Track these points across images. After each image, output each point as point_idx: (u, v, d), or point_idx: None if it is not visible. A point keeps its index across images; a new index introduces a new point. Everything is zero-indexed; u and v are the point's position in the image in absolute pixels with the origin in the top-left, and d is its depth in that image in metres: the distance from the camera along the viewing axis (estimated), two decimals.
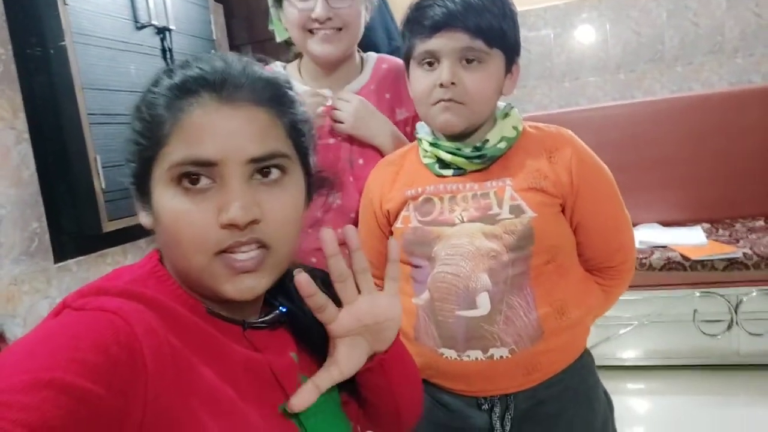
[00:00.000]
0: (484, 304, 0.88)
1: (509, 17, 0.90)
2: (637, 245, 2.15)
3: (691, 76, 2.82)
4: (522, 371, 0.89)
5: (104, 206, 1.59)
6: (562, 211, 0.93)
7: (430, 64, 0.90)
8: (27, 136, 1.55)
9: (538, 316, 0.89)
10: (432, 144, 0.95)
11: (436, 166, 0.95)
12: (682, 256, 2.06)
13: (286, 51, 2.64)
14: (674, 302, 2.11)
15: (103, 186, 1.58)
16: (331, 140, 1.12)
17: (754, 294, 2.01)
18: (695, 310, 2.09)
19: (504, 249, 0.88)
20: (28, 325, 1.52)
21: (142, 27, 1.80)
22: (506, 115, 0.96)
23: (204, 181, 0.54)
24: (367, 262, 0.63)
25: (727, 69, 2.77)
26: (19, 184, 1.52)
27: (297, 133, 0.61)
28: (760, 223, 2.30)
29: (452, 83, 0.87)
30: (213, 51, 2.21)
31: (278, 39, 2.37)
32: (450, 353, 0.90)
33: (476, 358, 0.89)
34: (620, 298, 1.94)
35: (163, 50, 1.89)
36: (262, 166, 0.56)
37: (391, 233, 0.99)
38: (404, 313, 0.94)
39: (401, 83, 1.12)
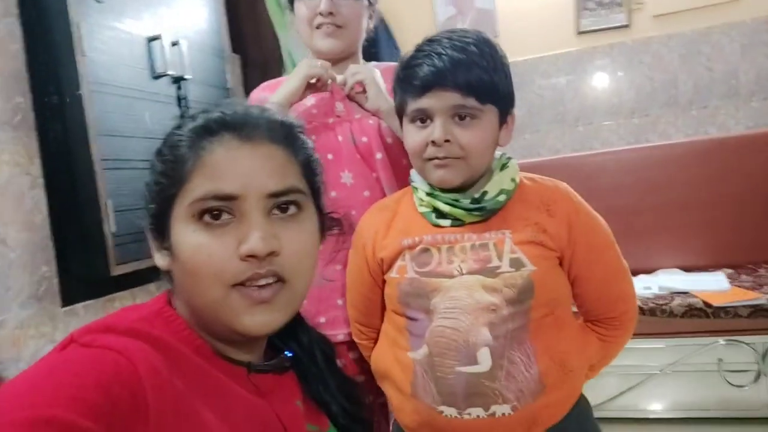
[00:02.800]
0: (485, 360, 0.85)
1: (500, 69, 0.90)
2: (657, 291, 2.11)
3: (707, 119, 2.80)
4: (523, 427, 0.86)
5: (113, 250, 1.60)
6: (560, 263, 0.92)
7: (423, 120, 0.90)
8: (41, 181, 1.58)
9: (539, 370, 0.86)
10: (429, 194, 0.93)
11: (433, 215, 0.93)
12: (704, 302, 1.98)
13: None
14: (698, 351, 2.03)
15: (113, 230, 1.59)
16: (331, 119, 1.20)
17: None
18: (720, 359, 2.00)
19: (504, 303, 0.86)
20: None
21: (159, 76, 1.86)
22: (504, 166, 0.95)
23: (224, 217, 0.56)
24: None
25: (744, 113, 2.75)
26: (31, 228, 1.55)
27: (311, 172, 0.64)
28: None
29: (446, 141, 0.87)
30: (228, 99, 2.27)
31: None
32: (450, 411, 0.87)
33: (477, 416, 0.86)
34: (642, 346, 1.87)
35: (179, 98, 1.94)
36: (280, 202, 0.58)
37: (384, 282, 0.97)
38: (400, 368, 0.91)
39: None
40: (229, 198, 0.56)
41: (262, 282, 0.56)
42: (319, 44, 1.18)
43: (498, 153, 0.97)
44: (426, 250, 0.92)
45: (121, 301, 1.85)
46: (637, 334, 2.01)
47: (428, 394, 0.89)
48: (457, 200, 0.91)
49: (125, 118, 1.70)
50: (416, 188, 0.97)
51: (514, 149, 3.02)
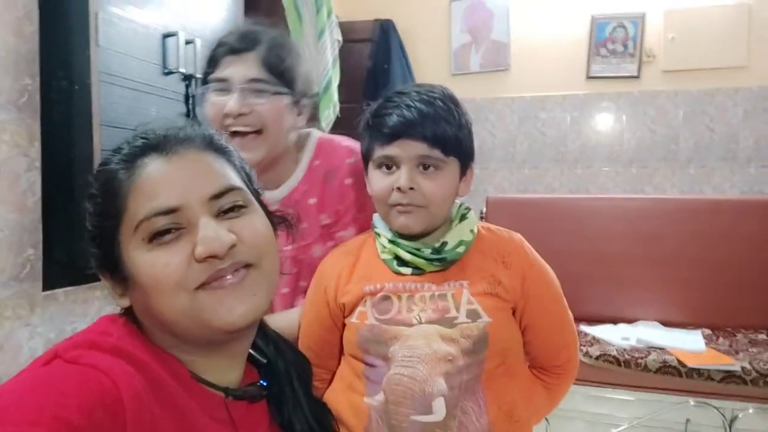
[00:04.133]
0: (439, 410, 0.87)
1: (464, 125, 0.95)
2: (634, 343, 2.12)
3: (703, 179, 2.84)
4: None
5: None
6: (513, 313, 0.96)
7: (388, 167, 0.94)
8: (38, 164, 1.58)
9: (489, 420, 0.89)
10: (391, 241, 0.96)
11: (395, 263, 0.96)
12: (679, 361, 2.00)
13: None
14: (667, 408, 2.04)
15: None
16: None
17: (751, 411, 1.94)
18: (688, 420, 2.02)
19: (460, 353, 0.89)
20: (5, 351, 1.50)
21: (169, 73, 1.86)
22: (463, 216, 1.00)
23: (174, 233, 0.56)
24: None
25: (740, 177, 2.79)
26: (22, 210, 1.54)
27: (246, 175, 0.66)
28: (762, 336, 2.25)
29: (410, 188, 0.91)
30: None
31: None
32: None
33: None
34: (613, 396, 1.87)
35: (186, 96, 1.95)
36: (224, 205, 0.59)
37: (344, 325, 0.98)
38: (353, 412, 0.92)
39: (329, 185, 1.11)
40: (172, 211, 0.56)
41: (230, 278, 0.57)
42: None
43: (458, 202, 1.01)
44: (387, 297, 0.94)
45: (103, 290, 1.84)
46: (611, 384, 2.06)
47: None
48: (418, 249, 0.94)
49: (131, 111, 1.71)
50: (378, 234, 0.99)
51: (512, 183, 3.05)
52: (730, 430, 1.96)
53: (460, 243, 0.95)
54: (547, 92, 3.03)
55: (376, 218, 1.02)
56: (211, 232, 0.55)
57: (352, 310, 0.96)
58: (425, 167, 0.92)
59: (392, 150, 0.92)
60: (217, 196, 0.59)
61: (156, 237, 0.56)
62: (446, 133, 0.91)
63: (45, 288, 1.62)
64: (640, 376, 2.04)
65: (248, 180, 0.66)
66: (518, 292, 0.95)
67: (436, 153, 0.91)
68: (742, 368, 1.92)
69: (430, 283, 0.94)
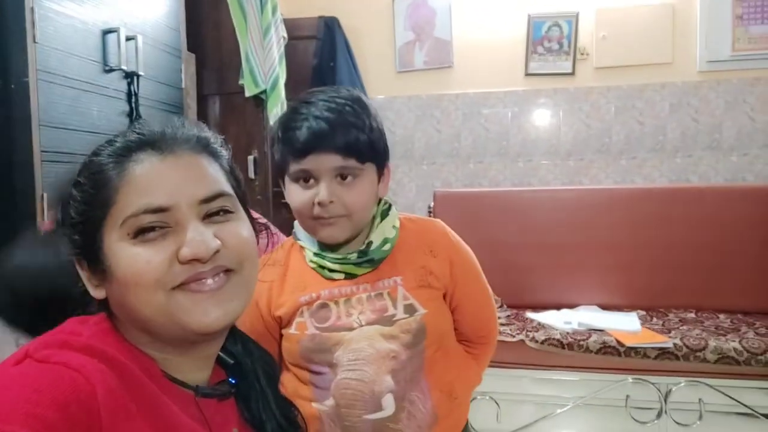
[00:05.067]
0: (389, 405, 0.91)
1: (375, 128, 0.94)
2: (576, 326, 2.24)
3: (634, 170, 3.01)
4: None
5: None
6: (443, 297, 1.00)
7: (306, 180, 0.92)
8: None
9: (433, 403, 0.94)
10: (317, 254, 0.97)
11: (326, 270, 0.96)
12: (617, 341, 2.13)
13: (253, 105, 2.69)
14: (608, 386, 2.16)
15: None
16: None
17: (682, 384, 2.09)
18: (627, 396, 2.15)
19: (402, 348, 0.92)
20: None
21: (111, 70, 1.81)
22: (384, 213, 1.00)
23: (159, 231, 0.56)
24: None
25: (668, 166, 2.97)
26: None
27: (235, 179, 0.67)
28: (691, 315, 2.42)
29: (330, 201, 0.90)
30: (181, 99, 2.23)
31: (247, 94, 2.43)
32: None
33: None
34: (558, 378, 1.97)
35: (129, 94, 1.90)
36: (211, 209, 0.60)
37: (281, 336, 0.98)
38: (306, 419, 0.94)
39: None
40: (161, 210, 0.56)
41: (210, 282, 0.57)
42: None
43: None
44: (324, 305, 0.95)
45: None
46: (556, 366, 2.16)
47: None
48: (344, 258, 0.95)
49: (71, 110, 1.65)
50: (302, 246, 0.99)
51: (458, 177, 3.12)
52: (665, 403, 2.11)
53: (385, 241, 0.96)
54: (489, 89, 3.13)
55: (298, 229, 1.01)
56: (199, 236, 0.56)
57: (289, 322, 0.96)
58: (343, 177, 0.91)
59: (307, 164, 0.90)
60: (207, 200, 0.59)
61: (141, 233, 0.56)
62: (359, 140, 0.90)
63: None
64: (582, 357, 2.15)
65: (237, 185, 0.66)
66: (447, 278, 0.98)
67: (352, 162, 0.90)
68: (675, 345, 2.06)
69: (365, 284, 0.95)
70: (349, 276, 0.96)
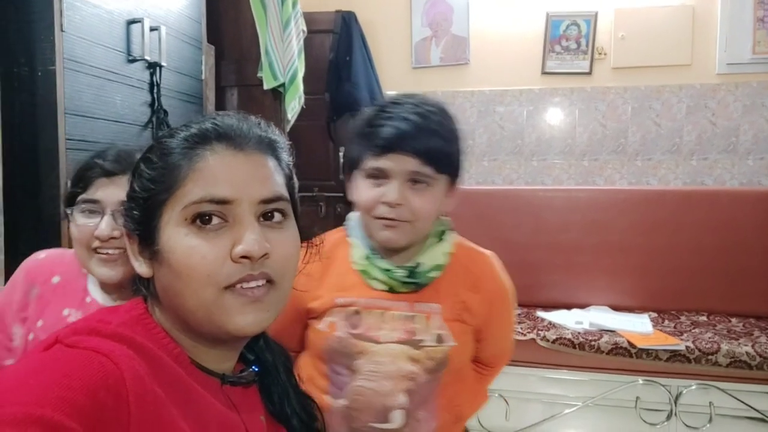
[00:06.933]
0: (397, 419, 0.93)
1: (455, 141, 0.95)
2: (587, 327, 2.24)
3: (649, 171, 3.00)
4: None
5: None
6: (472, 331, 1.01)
7: (377, 178, 0.92)
8: None
9: (438, 424, 0.97)
10: (367, 258, 0.97)
11: (369, 277, 0.97)
12: (629, 342, 2.13)
13: (271, 98, 2.70)
14: (618, 387, 2.17)
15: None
16: None
17: (693, 387, 2.09)
18: (638, 397, 2.15)
19: (423, 372, 0.94)
20: None
21: (134, 60, 1.83)
22: (441, 235, 1.00)
23: (216, 221, 0.58)
24: None
25: (683, 169, 2.96)
26: None
27: (291, 186, 0.68)
28: (703, 318, 2.41)
29: (399, 204, 0.90)
30: (201, 91, 2.25)
31: (266, 87, 2.44)
32: None
33: None
34: (568, 377, 1.98)
35: (151, 84, 1.91)
36: (268, 209, 0.61)
37: (306, 325, 0.99)
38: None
39: None
40: (224, 202, 0.58)
41: (253, 284, 0.58)
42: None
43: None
44: (358, 312, 0.96)
45: None
46: (566, 366, 2.16)
47: None
48: (391, 271, 0.95)
49: (96, 98, 1.66)
50: (352, 244, 1.00)
51: (472, 175, 3.13)
52: (675, 405, 2.11)
53: (435, 267, 0.97)
54: (504, 87, 3.12)
55: (353, 225, 1.01)
56: (255, 236, 0.57)
57: (319, 317, 0.97)
58: (415, 182, 0.91)
59: (384, 163, 0.90)
60: (267, 201, 0.60)
61: (197, 219, 0.57)
62: (440, 149, 0.90)
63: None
64: (593, 357, 2.16)
65: (291, 191, 0.67)
66: (482, 317, 0.99)
67: (428, 170, 0.90)
68: (687, 347, 2.06)
69: (404, 302, 0.96)
70: (390, 290, 0.96)
